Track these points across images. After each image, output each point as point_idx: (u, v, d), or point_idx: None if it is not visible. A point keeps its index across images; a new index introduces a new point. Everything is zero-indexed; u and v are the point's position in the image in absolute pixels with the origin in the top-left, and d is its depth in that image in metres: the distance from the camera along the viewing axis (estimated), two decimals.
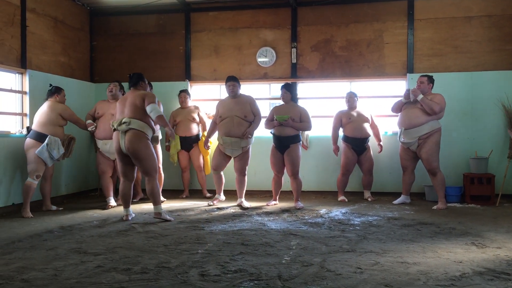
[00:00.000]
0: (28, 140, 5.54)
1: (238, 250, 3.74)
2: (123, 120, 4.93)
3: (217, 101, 6.34)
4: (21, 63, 6.10)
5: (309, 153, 7.02)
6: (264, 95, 7.58)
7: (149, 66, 7.52)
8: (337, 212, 5.51)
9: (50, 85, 5.99)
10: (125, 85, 5.92)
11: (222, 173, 6.18)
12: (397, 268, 3.22)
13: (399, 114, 6.11)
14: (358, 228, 4.62)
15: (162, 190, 6.69)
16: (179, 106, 6.95)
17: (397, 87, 7.18)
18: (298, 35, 7.25)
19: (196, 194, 7.08)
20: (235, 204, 6.09)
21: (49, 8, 6.70)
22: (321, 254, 3.61)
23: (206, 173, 6.88)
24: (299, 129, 5.97)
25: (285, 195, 6.75)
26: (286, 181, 6.43)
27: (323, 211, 5.62)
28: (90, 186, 7.38)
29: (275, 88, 7.42)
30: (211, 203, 6.05)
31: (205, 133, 6.59)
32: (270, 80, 7.37)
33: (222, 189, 6.24)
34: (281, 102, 6.21)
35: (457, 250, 3.73)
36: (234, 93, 5.97)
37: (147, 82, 5.34)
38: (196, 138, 6.79)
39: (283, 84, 6.20)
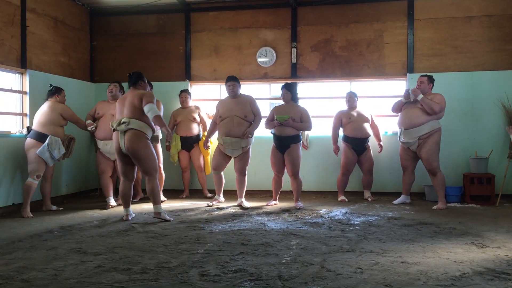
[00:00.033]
0: (29, 140, 5.54)
1: (238, 250, 3.74)
2: (122, 120, 4.93)
3: (217, 101, 6.34)
4: (21, 63, 6.10)
5: (309, 153, 7.02)
6: (264, 95, 7.58)
7: (149, 66, 7.52)
8: (337, 212, 5.51)
9: (51, 85, 5.99)
10: (125, 85, 5.91)
11: (222, 173, 6.17)
12: (397, 268, 3.22)
13: (399, 114, 6.11)
14: (358, 228, 4.62)
15: (163, 189, 6.71)
16: (180, 106, 6.95)
17: (397, 87, 7.18)
18: (298, 35, 7.25)
19: (196, 194, 7.08)
20: (235, 204, 6.09)
21: (49, 8, 6.70)
22: (321, 254, 3.61)
23: (206, 173, 6.88)
24: (299, 129, 5.97)
25: (285, 195, 6.75)
26: (286, 181, 6.43)
27: (323, 211, 5.62)
28: (90, 186, 7.38)
29: (275, 88, 7.42)
30: (210, 204, 6.04)
31: (206, 133, 6.59)
32: (270, 80, 7.37)
33: (222, 190, 6.22)
34: (281, 102, 6.21)
35: (457, 250, 3.73)
36: (234, 93, 5.96)
37: (147, 82, 5.32)
38: (197, 138, 6.79)
39: (283, 84, 6.20)
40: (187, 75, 7.51)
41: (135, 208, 5.86)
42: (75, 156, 6.51)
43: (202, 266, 3.29)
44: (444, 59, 6.83)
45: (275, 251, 3.72)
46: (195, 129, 6.79)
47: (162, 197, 6.62)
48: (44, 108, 5.70)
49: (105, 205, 6.03)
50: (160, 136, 6.66)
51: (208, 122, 6.70)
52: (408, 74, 6.86)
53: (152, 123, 5.04)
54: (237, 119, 5.86)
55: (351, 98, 6.54)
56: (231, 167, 6.22)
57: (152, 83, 6.64)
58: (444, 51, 6.83)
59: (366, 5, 7.05)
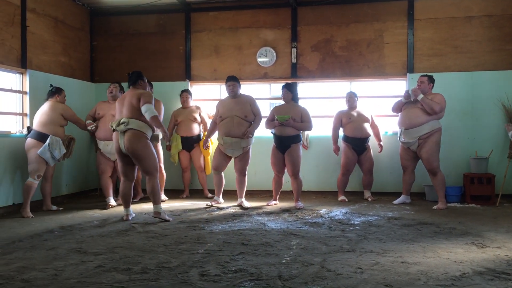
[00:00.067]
0: (29, 140, 5.54)
1: (238, 250, 3.75)
2: (122, 121, 4.93)
3: (217, 101, 6.33)
4: (21, 63, 6.10)
5: (309, 153, 7.02)
6: (264, 95, 7.58)
7: (149, 66, 7.52)
8: (337, 212, 5.51)
9: (51, 85, 5.99)
10: (125, 85, 5.91)
11: (223, 174, 6.14)
12: (397, 268, 3.23)
13: (399, 114, 6.11)
14: (358, 228, 4.62)
15: (164, 189, 6.73)
16: (180, 106, 6.96)
17: (397, 87, 7.18)
18: (298, 35, 7.25)
19: (196, 194, 7.08)
20: (235, 204, 6.09)
21: (49, 8, 6.70)
22: (321, 254, 3.61)
23: (207, 173, 6.88)
24: (300, 129, 5.97)
25: (285, 195, 6.75)
26: (287, 181, 6.43)
27: (323, 211, 5.62)
28: (90, 186, 7.38)
29: (275, 88, 7.43)
30: (209, 204, 6.00)
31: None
32: (270, 80, 7.37)
33: (222, 191, 6.18)
34: (281, 102, 6.21)
35: (457, 250, 3.73)
36: (234, 93, 5.96)
37: (146, 81, 5.30)
38: (198, 138, 6.79)
39: (283, 84, 6.20)
40: (187, 75, 7.51)
41: (135, 208, 5.87)
42: (75, 156, 6.50)
43: (202, 266, 3.29)
44: (444, 59, 6.83)
45: (275, 251, 3.72)
46: (196, 129, 6.79)
47: (164, 197, 6.64)
48: (45, 108, 5.70)
49: (105, 205, 6.03)
50: (160, 136, 6.65)
51: (209, 122, 6.70)
52: (408, 74, 6.87)
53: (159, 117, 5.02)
54: (237, 119, 5.86)
55: (351, 98, 6.54)
56: (231, 167, 6.22)
57: (152, 83, 6.64)
58: (444, 51, 6.83)
59: (366, 5, 7.05)
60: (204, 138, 6.51)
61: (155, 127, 5.08)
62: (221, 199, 6.16)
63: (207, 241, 4.06)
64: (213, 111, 6.56)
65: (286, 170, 6.09)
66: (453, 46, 6.82)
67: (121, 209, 5.50)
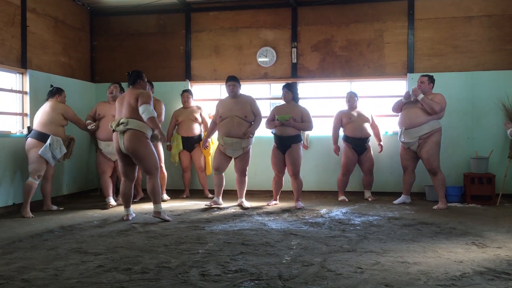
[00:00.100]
0: (30, 140, 5.54)
1: (238, 250, 3.74)
2: (121, 121, 4.93)
3: (217, 101, 6.33)
4: (22, 63, 6.10)
5: (310, 153, 7.02)
6: (265, 95, 7.58)
7: (149, 66, 7.52)
8: (338, 212, 5.51)
9: (51, 85, 5.99)
10: (125, 85, 5.91)
11: (223, 175, 6.08)
12: (397, 268, 3.22)
13: (400, 114, 6.11)
14: (358, 228, 4.62)
15: (166, 189, 6.74)
16: (181, 106, 6.96)
17: (397, 87, 7.18)
18: (299, 35, 7.25)
19: (197, 194, 7.08)
20: (236, 204, 6.08)
21: (49, 8, 6.70)
22: (321, 254, 3.61)
23: (207, 173, 6.88)
24: (300, 129, 5.97)
25: (285, 195, 6.75)
26: (287, 181, 6.43)
27: (323, 211, 5.62)
28: (91, 186, 7.38)
29: (275, 88, 7.43)
30: (208, 204, 5.92)
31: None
32: (271, 80, 7.37)
33: (221, 192, 6.07)
34: (281, 102, 6.21)
35: (458, 250, 3.73)
36: (234, 93, 5.95)
37: (146, 80, 5.27)
38: (198, 138, 6.78)
39: (283, 84, 6.20)
40: (187, 75, 7.51)
41: (136, 208, 5.86)
42: (75, 156, 6.50)
43: (202, 266, 3.29)
44: (444, 59, 6.83)
45: (276, 251, 3.72)
46: (197, 129, 6.79)
47: (166, 196, 6.64)
48: (46, 108, 5.71)
49: (105, 205, 6.03)
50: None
51: (210, 123, 6.69)
52: (408, 74, 6.87)
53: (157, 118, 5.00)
54: (237, 119, 5.85)
55: (352, 98, 6.54)
56: (232, 167, 6.22)
57: (153, 83, 6.65)
58: (444, 51, 6.83)
59: (366, 5, 7.05)
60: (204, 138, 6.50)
61: (155, 126, 5.06)
62: (220, 201, 6.03)
63: (207, 241, 4.06)
64: (213, 111, 6.56)
65: (286, 170, 6.09)
66: (453, 46, 6.82)
67: (121, 209, 5.50)
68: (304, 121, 5.95)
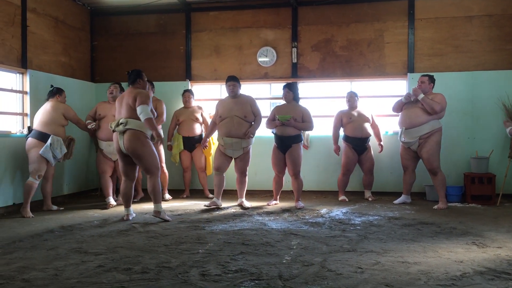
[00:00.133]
0: (30, 140, 5.54)
1: (238, 249, 3.74)
2: (120, 121, 4.93)
3: (217, 101, 6.32)
4: (22, 63, 6.10)
5: (310, 153, 7.02)
6: (265, 95, 7.58)
7: (149, 66, 7.52)
8: (338, 212, 5.51)
9: (51, 85, 5.99)
10: (125, 85, 5.91)
11: (224, 175, 6.02)
12: (397, 268, 3.22)
13: (400, 113, 6.11)
14: (358, 227, 4.62)
15: (168, 189, 6.74)
16: (181, 105, 6.96)
17: (397, 87, 7.18)
18: (299, 34, 7.25)
19: (197, 194, 7.08)
20: (236, 204, 6.08)
21: (49, 8, 6.70)
22: (321, 254, 3.60)
23: (208, 173, 6.87)
24: (301, 129, 5.97)
25: (285, 195, 6.75)
26: (287, 181, 6.43)
27: (323, 210, 5.62)
28: (91, 186, 7.38)
29: (275, 88, 7.43)
30: (207, 205, 5.86)
31: None
32: (271, 80, 7.37)
33: (221, 193, 6.00)
34: (281, 101, 6.20)
35: (458, 249, 3.72)
36: (234, 93, 5.95)
37: (146, 80, 5.24)
38: (199, 138, 6.76)
39: (284, 84, 6.20)
40: (188, 75, 7.51)
41: (136, 208, 5.86)
42: (75, 156, 6.49)
43: (202, 266, 3.29)
44: (445, 58, 6.83)
45: (276, 251, 3.71)
46: (198, 129, 6.78)
47: (168, 196, 6.64)
48: (46, 107, 5.71)
49: (105, 205, 6.03)
50: (162, 135, 6.65)
51: None
52: (408, 73, 6.86)
53: (154, 119, 4.99)
54: (237, 119, 5.84)
55: (352, 98, 6.53)
56: (232, 167, 6.21)
57: (153, 83, 6.65)
58: (445, 50, 6.83)
59: (366, 5, 7.05)
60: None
61: (159, 125, 5.04)
62: (219, 202, 5.93)
63: (207, 241, 4.06)
64: (213, 111, 6.55)
65: (286, 170, 6.09)
66: (453, 46, 6.81)
67: (121, 209, 5.50)
68: (304, 121, 5.95)
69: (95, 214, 5.56)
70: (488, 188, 6.11)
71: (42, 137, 5.52)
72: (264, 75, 7.34)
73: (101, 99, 7.06)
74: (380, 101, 7.18)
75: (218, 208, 5.83)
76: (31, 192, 5.42)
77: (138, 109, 4.86)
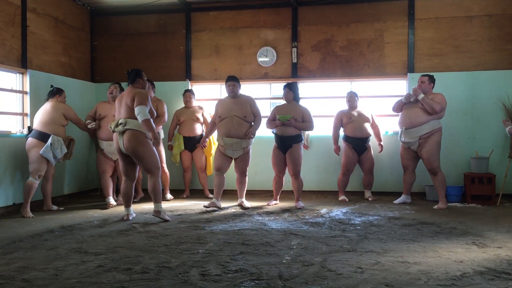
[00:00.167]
0: (30, 140, 5.54)
1: (238, 249, 3.74)
2: (120, 122, 4.92)
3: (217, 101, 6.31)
4: (22, 63, 6.10)
5: (310, 153, 7.02)
6: (265, 95, 7.57)
7: (149, 66, 7.52)
8: (338, 212, 5.51)
9: (51, 85, 5.99)
10: (125, 85, 5.90)
11: (225, 175, 5.97)
12: (397, 268, 3.22)
13: (400, 113, 6.11)
14: (358, 227, 4.62)
15: (170, 189, 6.74)
16: (181, 105, 6.95)
17: (397, 87, 7.18)
18: (299, 34, 7.25)
19: (197, 194, 7.08)
20: (236, 204, 6.08)
21: (49, 8, 6.70)
22: (321, 254, 3.61)
23: (208, 173, 6.87)
24: (301, 129, 5.97)
25: (285, 195, 6.75)
26: (287, 181, 6.43)
27: (323, 210, 5.62)
28: (91, 186, 7.38)
29: (275, 88, 7.43)
30: (206, 205, 5.77)
31: None
32: (271, 80, 7.37)
33: (221, 193, 5.94)
34: (281, 101, 6.20)
35: (458, 249, 3.72)
36: (234, 93, 5.94)
37: (145, 79, 5.21)
38: (200, 138, 6.74)
39: (284, 83, 6.20)
40: (188, 75, 7.51)
41: (136, 208, 5.86)
42: (75, 156, 6.49)
43: (202, 266, 3.29)
44: (445, 58, 6.83)
45: (276, 251, 3.71)
46: (198, 129, 6.78)
47: (169, 196, 6.65)
48: (46, 107, 5.71)
49: (105, 205, 6.03)
50: (162, 136, 6.67)
51: None
52: (408, 73, 6.86)
53: (151, 121, 4.97)
54: (237, 119, 5.83)
55: (352, 98, 6.53)
56: (232, 167, 6.21)
57: (154, 83, 6.65)
58: (445, 50, 6.83)
59: (366, 5, 7.05)
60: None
61: (161, 126, 5.01)
62: (219, 203, 5.86)
63: (207, 241, 4.06)
64: (213, 111, 6.55)
65: (286, 170, 6.09)
66: (453, 46, 6.82)
67: (121, 209, 5.50)
68: (305, 121, 5.95)
69: (95, 214, 5.56)
70: (488, 188, 6.11)
71: (42, 137, 5.52)
72: (264, 75, 7.34)
73: (101, 99, 7.06)
74: (380, 101, 7.18)
75: (219, 208, 5.83)
76: (31, 192, 5.42)
77: (136, 110, 4.85)
